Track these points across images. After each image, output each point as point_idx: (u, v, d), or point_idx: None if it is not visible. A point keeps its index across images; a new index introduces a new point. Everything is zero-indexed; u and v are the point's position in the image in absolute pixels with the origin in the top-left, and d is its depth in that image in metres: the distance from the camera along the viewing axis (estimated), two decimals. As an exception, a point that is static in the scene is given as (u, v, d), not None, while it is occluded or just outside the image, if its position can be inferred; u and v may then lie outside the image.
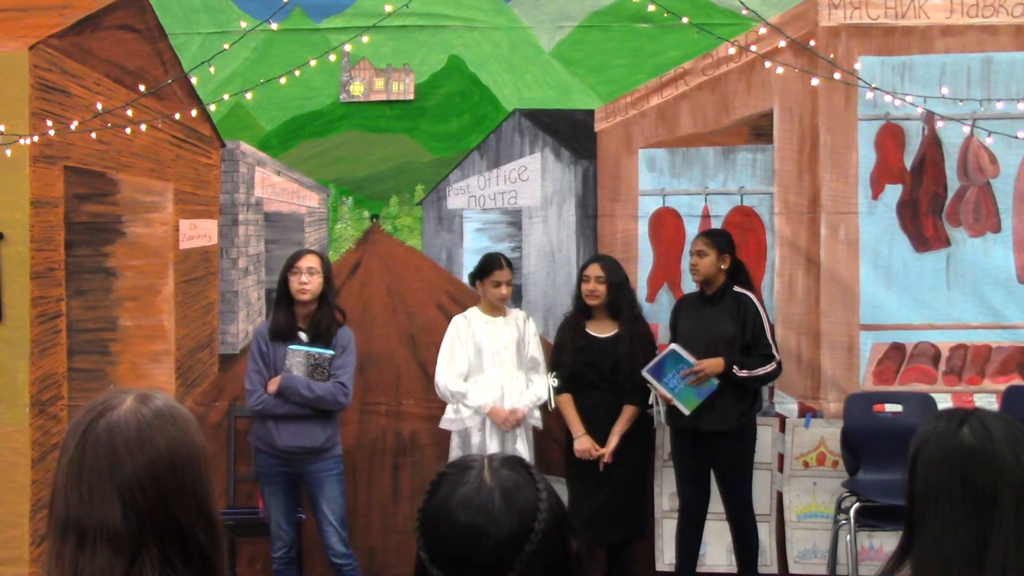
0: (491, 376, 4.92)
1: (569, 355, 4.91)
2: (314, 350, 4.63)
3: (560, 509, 1.44)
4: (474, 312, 5.04)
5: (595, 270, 4.93)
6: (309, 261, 4.66)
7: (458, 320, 5.03)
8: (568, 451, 4.94)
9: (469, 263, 5.31)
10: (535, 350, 5.03)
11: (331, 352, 4.65)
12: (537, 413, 4.98)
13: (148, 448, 1.52)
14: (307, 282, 4.62)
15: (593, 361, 4.89)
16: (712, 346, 4.75)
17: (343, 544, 4.70)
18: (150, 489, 1.50)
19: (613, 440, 4.83)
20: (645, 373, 4.78)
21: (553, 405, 4.94)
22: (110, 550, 1.47)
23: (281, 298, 4.70)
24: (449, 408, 4.95)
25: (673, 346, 4.79)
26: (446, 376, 4.93)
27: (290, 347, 4.62)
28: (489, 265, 4.99)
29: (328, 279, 4.71)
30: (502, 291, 4.96)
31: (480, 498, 1.41)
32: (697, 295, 4.97)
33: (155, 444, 1.52)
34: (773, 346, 4.78)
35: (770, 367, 4.74)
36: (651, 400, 4.92)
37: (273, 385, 4.60)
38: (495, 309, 5.03)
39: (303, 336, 4.67)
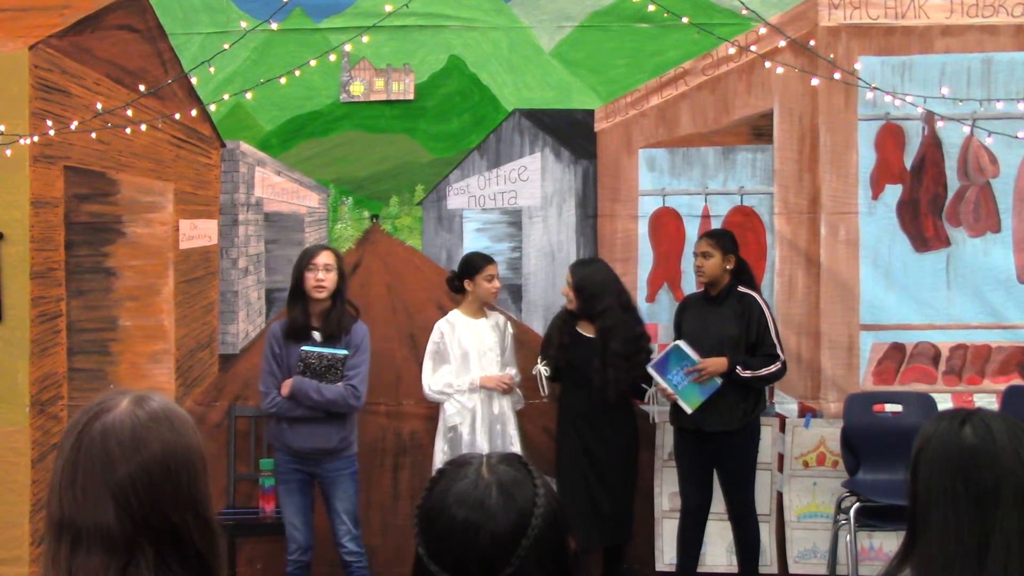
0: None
1: (555, 349, 4.92)
2: (327, 351, 4.57)
3: (557, 507, 1.44)
4: (456, 315, 4.98)
5: (567, 276, 4.95)
6: (326, 258, 4.61)
7: (441, 325, 4.97)
8: (558, 454, 4.93)
9: (469, 263, 5.29)
10: (510, 357, 5.03)
11: (344, 352, 4.59)
12: (519, 392, 5.00)
13: (142, 450, 1.52)
14: (323, 279, 4.57)
15: (576, 361, 4.85)
16: (716, 346, 4.74)
17: (354, 542, 4.68)
18: (144, 491, 1.50)
19: None
20: (650, 368, 4.78)
21: (547, 391, 4.95)
22: (104, 551, 1.48)
23: (296, 295, 4.64)
24: (448, 405, 4.90)
25: (677, 342, 4.77)
26: (430, 381, 4.92)
27: (302, 348, 4.57)
28: (478, 262, 4.94)
29: (342, 274, 4.66)
30: (496, 284, 4.94)
31: (477, 493, 1.42)
32: (701, 295, 4.95)
33: (149, 446, 1.52)
34: (778, 346, 4.76)
35: (774, 367, 4.72)
36: (647, 397, 4.91)
37: (286, 388, 4.57)
38: (479, 310, 5.00)
39: (316, 336, 4.62)
